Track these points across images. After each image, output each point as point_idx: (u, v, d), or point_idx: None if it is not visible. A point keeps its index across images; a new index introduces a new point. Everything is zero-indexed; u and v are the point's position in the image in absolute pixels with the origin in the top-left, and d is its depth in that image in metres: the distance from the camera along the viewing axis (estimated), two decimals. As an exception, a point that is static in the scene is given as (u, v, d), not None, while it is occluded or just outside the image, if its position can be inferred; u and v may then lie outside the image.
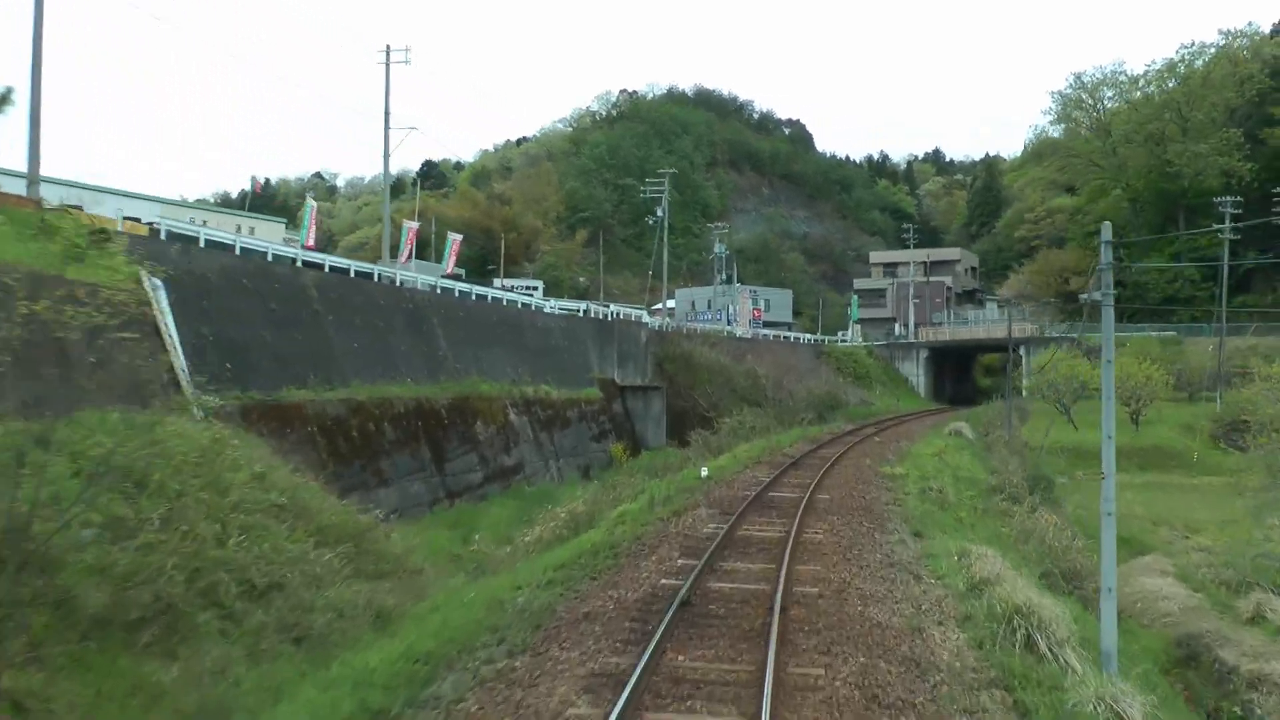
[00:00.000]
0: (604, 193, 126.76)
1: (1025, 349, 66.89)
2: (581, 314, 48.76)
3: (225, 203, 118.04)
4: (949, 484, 24.45)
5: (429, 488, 30.80)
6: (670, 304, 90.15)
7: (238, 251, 29.73)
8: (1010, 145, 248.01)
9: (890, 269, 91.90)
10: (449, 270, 41.79)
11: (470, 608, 12.05)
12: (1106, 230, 13.35)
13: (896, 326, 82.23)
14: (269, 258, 30.57)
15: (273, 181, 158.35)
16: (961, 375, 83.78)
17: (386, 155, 38.13)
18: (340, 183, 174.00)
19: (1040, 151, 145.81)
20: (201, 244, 28.39)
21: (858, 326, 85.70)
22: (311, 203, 41.48)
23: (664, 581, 12.45)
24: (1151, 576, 23.74)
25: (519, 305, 43.32)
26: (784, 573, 12.36)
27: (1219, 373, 48.91)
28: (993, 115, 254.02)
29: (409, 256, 44.41)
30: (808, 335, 75.15)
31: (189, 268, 24.23)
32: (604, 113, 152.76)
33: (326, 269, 32.79)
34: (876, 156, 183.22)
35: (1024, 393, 65.20)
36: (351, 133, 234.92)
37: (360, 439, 28.46)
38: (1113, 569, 12.66)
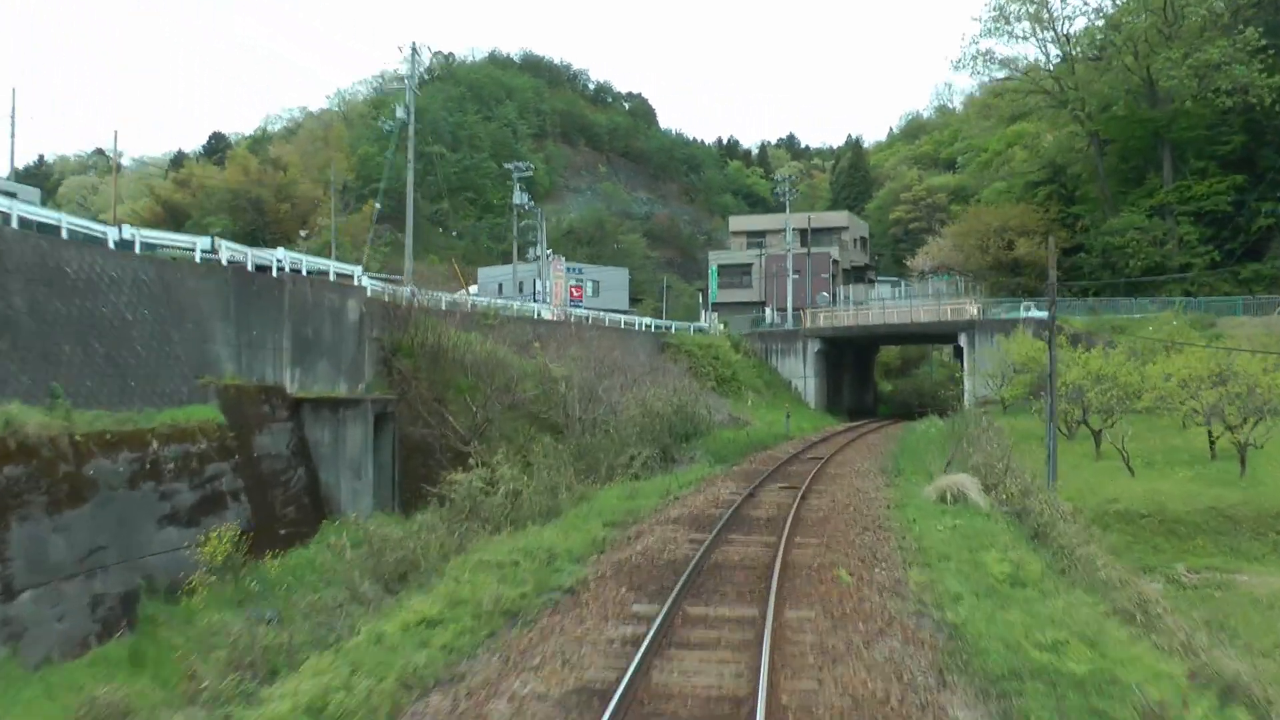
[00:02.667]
0: (404, 159, 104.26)
1: (969, 338, 46.51)
2: (199, 259, 24.39)
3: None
4: None
5: None
6: (472, 289, 68.26)
7: None
8: (869, 132, 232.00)
9: (756, 239, 70.59)
10: None
11: None
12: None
13: (768, 311, 60.79)
14: None
15: (48, 159, 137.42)
16: (863, 377, 62.66)
17: None
18: (127, 161, 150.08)
19: (913, 130, 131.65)
20: None
21: (714, 315, 63.81)
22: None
23: None
24: None
25: (12, 227, 19.28)
26: None
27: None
28: (848, 102, 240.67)
29: None
30: (647, 320, 52.38)
31: None
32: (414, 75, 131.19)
33: None
34: (726, 140, 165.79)
35: (966, 401, 44.79)
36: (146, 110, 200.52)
37: None
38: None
